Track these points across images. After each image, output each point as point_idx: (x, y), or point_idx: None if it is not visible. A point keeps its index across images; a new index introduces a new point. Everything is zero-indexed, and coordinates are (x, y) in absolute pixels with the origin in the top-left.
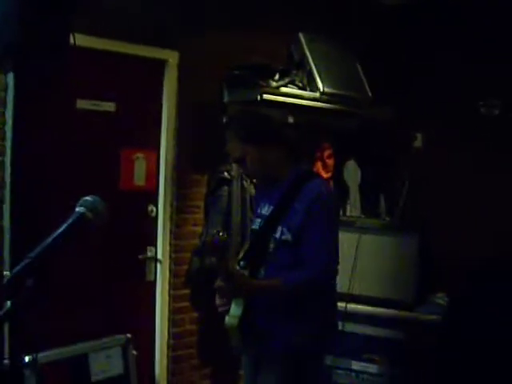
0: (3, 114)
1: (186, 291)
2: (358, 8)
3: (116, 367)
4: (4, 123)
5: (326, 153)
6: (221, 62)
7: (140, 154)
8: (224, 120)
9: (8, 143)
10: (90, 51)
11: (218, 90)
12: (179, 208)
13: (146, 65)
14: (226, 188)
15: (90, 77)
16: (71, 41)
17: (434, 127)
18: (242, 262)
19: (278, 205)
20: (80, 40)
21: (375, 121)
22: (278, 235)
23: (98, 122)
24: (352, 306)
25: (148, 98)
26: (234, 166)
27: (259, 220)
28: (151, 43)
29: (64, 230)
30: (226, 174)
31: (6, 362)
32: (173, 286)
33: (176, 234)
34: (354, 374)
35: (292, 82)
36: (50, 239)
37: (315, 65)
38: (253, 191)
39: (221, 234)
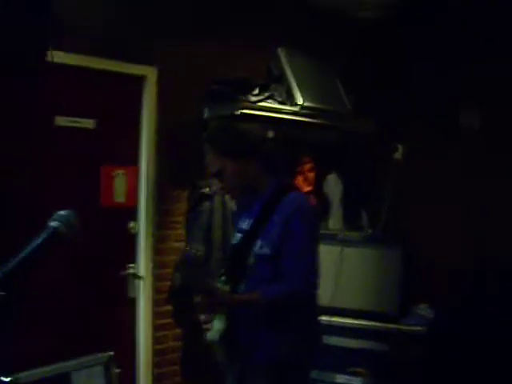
0: None
1: (169, 308)
2: (335, 22)
3: None
4: None
5: (307, 166)
6: (200, 78)
7: (120, 171)
8: (203, 135)
9: None
10: (69, 68)
11: (198, 106)
12: (160, 224)
13: (125, 81)
14: (207, 203)
15: (69, 94)
16: (49, 58)
17: (414, 139)
18: (222, 278)
19: (256, 218)
20: (58, 57)
21: (356, 134)
22: (257, 249)
23: (77, 139)
24: (336, 319)
25: (127, 114)
26: (215, 181)
27: (239, 235)
28: (129, 59)
29: (37, 244)
30: (206, 189)
31: None
32: (155, 303)
33: (157, 250)
34: None
35: (271, 97)
36: (22, 253)
37: (294, 79)
38: (234, 206)
39: (194, 250)
